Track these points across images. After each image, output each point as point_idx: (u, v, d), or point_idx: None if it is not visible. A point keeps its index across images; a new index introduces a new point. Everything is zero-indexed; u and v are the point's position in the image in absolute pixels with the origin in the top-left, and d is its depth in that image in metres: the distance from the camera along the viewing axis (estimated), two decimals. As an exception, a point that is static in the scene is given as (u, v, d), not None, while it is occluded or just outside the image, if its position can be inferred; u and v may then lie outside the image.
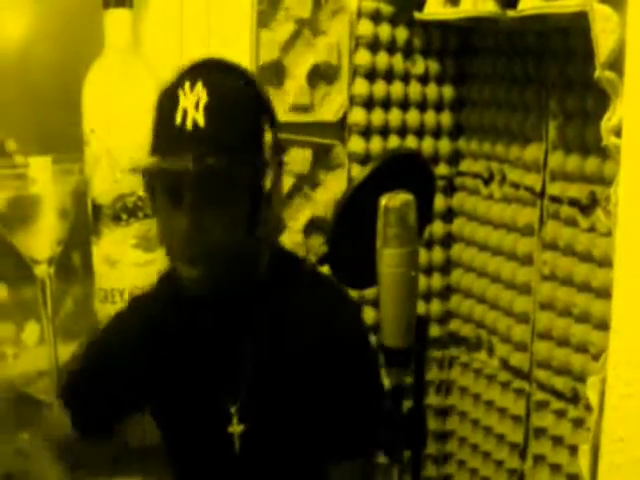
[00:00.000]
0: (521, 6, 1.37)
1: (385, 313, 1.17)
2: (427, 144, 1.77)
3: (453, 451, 1.88)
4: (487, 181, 1.73)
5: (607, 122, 1.04)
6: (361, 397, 1.17)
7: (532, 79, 1.58)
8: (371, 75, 1.66)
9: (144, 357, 1.20)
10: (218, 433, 1.16)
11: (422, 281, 1.78)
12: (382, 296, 1.19)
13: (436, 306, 1.84)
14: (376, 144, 1.68)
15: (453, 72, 1.78)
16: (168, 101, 1.06)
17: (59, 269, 1.41)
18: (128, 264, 1.44)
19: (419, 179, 1.34)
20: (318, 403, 1.14)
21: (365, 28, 1.63)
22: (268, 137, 1.09)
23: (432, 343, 1.81)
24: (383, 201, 1.14)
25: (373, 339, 1.27)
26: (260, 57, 1.52)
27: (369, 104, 1.67)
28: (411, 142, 1.74)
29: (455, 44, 1.77)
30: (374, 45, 1.65)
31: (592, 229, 1.43)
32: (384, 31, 1.65)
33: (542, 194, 1.57)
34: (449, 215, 1.83)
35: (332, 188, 1.65)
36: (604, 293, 1.36)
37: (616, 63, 1.02)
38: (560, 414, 1.54)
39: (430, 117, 1.77)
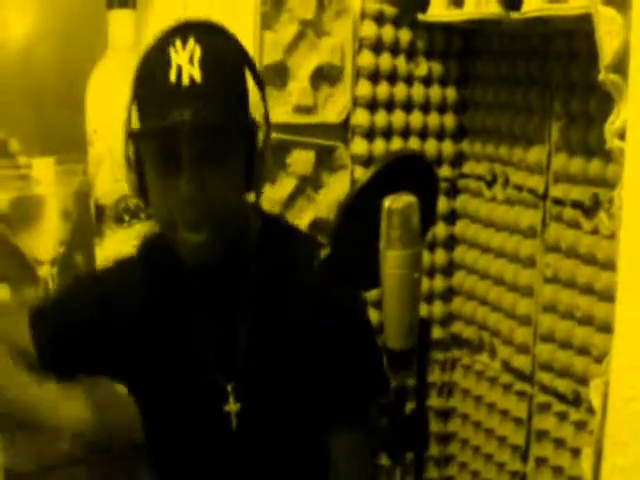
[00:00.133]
0: (525, 8, 1.37)
1: (388, 315, 1.17)
2: (430, 146, 1.77)
3: (455, 453, 1.88)
4: (490, 183, 1.73)
5: (611, 125, 1.04)
6: (359, 357, 1.19)
7: (535, 81, 1.58)
8: (374, 77, 1.66)
9: (124, 326, 1.16)
10: (214, 412, 1.15)
11: (425, 283, 1.77)
12: (385, 298, 1.18)
13: (438, 308, 1.84)
14: (379, 146, 1.68)
15: (456, 74, 1.78)
16: (157, 62, 1.03)
17: (62, 270, 1.41)
18: (130, 265, 1.44)
19: (422, 181, 1.33)
20: (316, 368, 1.14)
21: (368, 30, 1.63)
22: (255, 92, 1.08)
23: (434, 345, 1.81)
24: (386, 203, 1.14)
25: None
26: (264, 58, 1.52)
27: (372, 106, 1.67)
28: (414, 144, 1.74)
29: (458, 46, 1.77)
30: (377, 47, 1.65)
31: (595, 231, 1.43)
32: (387, 33, 1.65)
33: (545, 196, 1.57)
34: (452, 217, 1.83)
35: (335, 190, 1.65)
36: (607, 296, 1.36)
37: (620, 65, 1.02)
38: (562, 417, 1.54)
39: (433, 119, 1.77)
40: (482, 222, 1.75)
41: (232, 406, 1.14)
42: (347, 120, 1.65)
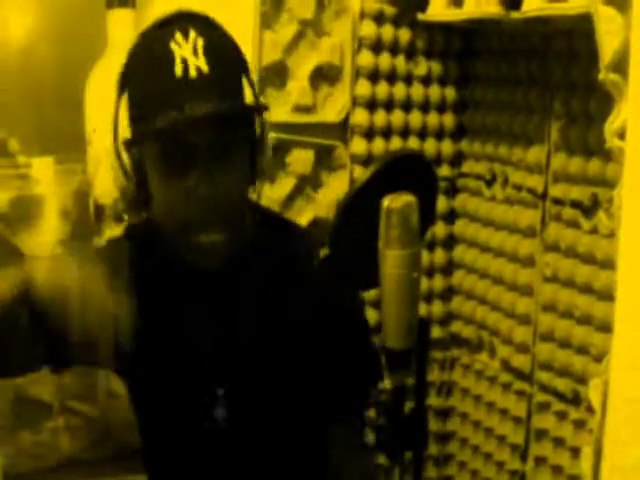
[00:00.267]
0: (525, 8, 1.37)
1: (387, 314, 1.17)
2: (429, 145, 1.77)
3: (454, 452, 1.88)
4: (489, 183, 1.73)
5: (611, 124, 1.04)
6: (356, 356, 1.19)
7: (535, 81, 1.58)
8: (374, 76, 1.66)
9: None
10: (204, 417, 1.13)
11: (424, 282, 1.78)
12: (384, 297, 1.18)
13: (438, 307, 1.84)
14: (378, 145, 1.68)
15: (456, 73, 1.78)
16: (156, 57, 0.99)
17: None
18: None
19: (421, 180, 1.33)
20: (312, 366, 1.13)
21: (368, 29, 1.63)
22: (248, 81, 1.07)
23: (434, 344, 1.81)
24: (385, 202, 1.13)
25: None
26: (263, 58, 1.52)
27: (372, 105, 1.67)
28: (413, 143, 1.74)
29: (458, 45, 1.77)
30: (377, 46, 1.65)
31: (594, 231, 1.43)
32: (387, 32, 1.65)
33: (544, 196, 1.57)
34: (451, 217, 1.83)
35: (334, 189, 1.65)
36: (606, 295, 1.36)
37: (620, 65, 1.02)
38: (561, 416, 1.54)
39: (433, 118, 1.77)
40: (481, 221, 1.75)
41: (222, 411, 1.13)
42: (346, 120, 1.65)
